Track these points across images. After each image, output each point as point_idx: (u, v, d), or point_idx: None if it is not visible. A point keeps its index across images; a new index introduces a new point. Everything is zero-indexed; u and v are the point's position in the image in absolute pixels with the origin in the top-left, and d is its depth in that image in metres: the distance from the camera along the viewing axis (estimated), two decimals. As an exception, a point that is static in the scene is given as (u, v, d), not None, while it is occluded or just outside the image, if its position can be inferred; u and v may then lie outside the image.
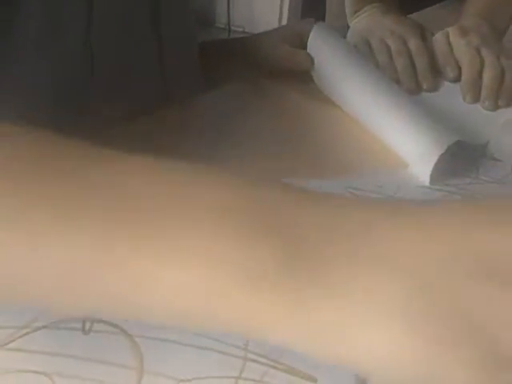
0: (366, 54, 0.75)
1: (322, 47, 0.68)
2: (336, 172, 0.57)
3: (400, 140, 0.58)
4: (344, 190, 0.54)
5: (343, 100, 0.65)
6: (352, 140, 0.61)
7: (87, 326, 0.40)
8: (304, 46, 0.71)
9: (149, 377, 0.37)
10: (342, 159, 0.58)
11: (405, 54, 0.74)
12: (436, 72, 0.74)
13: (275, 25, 2.00)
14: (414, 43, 0.74)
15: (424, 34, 0.77)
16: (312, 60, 0.68)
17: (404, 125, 0.58)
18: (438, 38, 0.76)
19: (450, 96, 0.71)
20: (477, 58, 0.71)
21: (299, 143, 0.61)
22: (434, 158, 0.54)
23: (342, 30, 0.75)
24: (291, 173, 0.56)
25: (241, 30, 2.83)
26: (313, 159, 0.58)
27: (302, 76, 0.70)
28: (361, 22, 0.82)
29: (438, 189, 0.55)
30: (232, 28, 3.01)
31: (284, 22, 2.22)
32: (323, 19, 1.18)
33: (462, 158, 0.59)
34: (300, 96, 0.69)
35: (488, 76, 0.70)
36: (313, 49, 0.69)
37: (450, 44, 0.74)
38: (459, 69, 0.73)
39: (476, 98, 0.70)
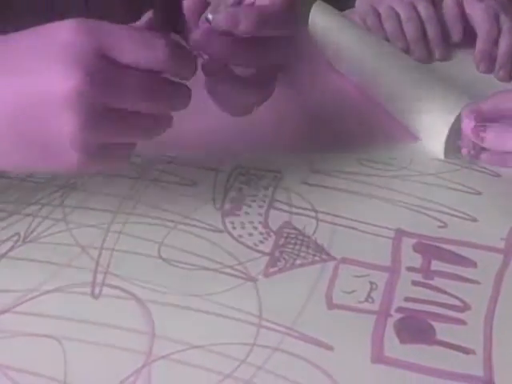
0: (374, 23, 0.75)
1: (325, 25, 0.69)
2: (348, 145, 0.57)
3: (412, 112, 0.59)
4: (356, 162, 0.55)
5: (354, 75, 0.66)
6: (364, 113, 0.62)
7: (97, 290, 0.41)
8: None
9: (161, 341, 0.38)
10: (354, 132, 0.59)
11: (415, 21, 0.73)
12: (448, 39, 0.74)
13: None
14: (423, 9, 0.74)
15: (434, 0, 0.76)
16: None
17: (415, 96, 0.59)
18: (449, 2, 0.75)
19: (463, 65, 0.72)
20: (495, 26, 0.71)
21: (310, 116, 0.61)
22: (447, 128, 0.55)
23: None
24: (304, 146, 0.57)
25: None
26: (325, 132, 0.59)
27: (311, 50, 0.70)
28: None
29: (451, 161, 0.56)
30: None
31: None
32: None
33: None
34: (309, 69, 0.69)
35: (504, 44, 0.70)
36: (316, 27, 0.69)
37: (461, 8, 0.74)
38: (464, 32, 0.72)
39: (490, 68, 0.70)
